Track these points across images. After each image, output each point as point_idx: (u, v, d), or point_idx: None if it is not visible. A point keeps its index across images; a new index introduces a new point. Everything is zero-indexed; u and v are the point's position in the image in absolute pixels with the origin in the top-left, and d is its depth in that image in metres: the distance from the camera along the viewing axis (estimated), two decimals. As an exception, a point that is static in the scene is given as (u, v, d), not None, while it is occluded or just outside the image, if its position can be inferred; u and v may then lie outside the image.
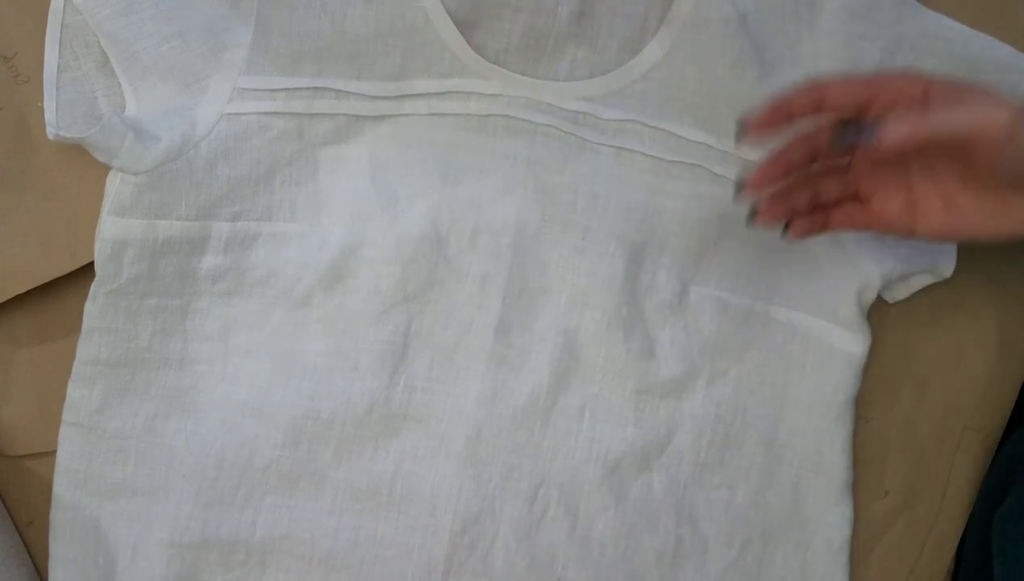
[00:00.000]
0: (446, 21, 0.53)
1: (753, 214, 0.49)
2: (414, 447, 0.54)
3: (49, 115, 0.51)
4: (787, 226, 0.50)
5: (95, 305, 0.51)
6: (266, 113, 0.53)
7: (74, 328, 0.52)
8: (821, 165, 0.50)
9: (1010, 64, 0.56)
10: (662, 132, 0.56)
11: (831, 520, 0.56)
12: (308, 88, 0.53)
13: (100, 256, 0.51)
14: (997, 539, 0.53)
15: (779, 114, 0.47)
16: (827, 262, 0.57)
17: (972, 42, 0.56)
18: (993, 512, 0.55)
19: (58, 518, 0.52)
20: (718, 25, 0.55)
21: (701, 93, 0.56)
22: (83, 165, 0.53)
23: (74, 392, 0.52)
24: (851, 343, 0.56)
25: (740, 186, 0.48)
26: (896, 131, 0.43)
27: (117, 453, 0.52)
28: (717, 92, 0.56)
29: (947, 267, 0.56)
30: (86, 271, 0.53)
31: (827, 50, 0.56)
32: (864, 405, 0.57)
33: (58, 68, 0.52)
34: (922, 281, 0.57)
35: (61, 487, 0.52)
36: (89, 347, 0.52)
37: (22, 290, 0.53)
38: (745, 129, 0.47)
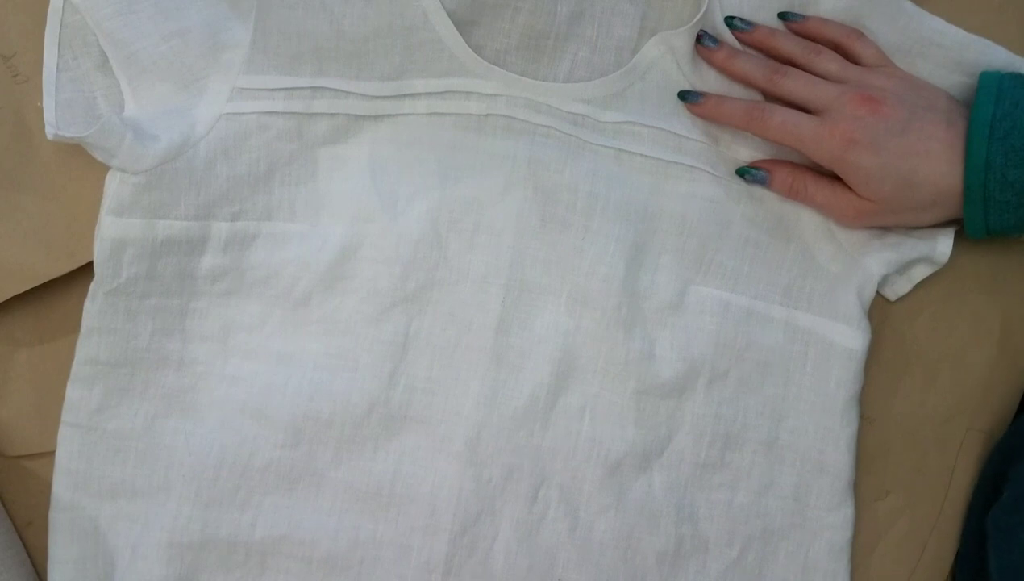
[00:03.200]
0: (445, 21, 0.53)
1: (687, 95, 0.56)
2: (414, 448, 0.54)
3: (48, 115, 0.51)
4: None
5: (94, 305, 0.51)
6: (265, 113, 0.53)
7: (74, 328, 0.52)
8: None
9: (1007, 69, 0.56)
10: (661, 132, 0.56)
11: (833, 520, 0.56)
12: (307, 88, 0.53)
13: (99, 256, 0.51)
14: (992, 532, 0.53)
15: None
16: (826, 260, 0.57)
17: (969, 47, 0.56)
18: (988, 504, 0.55)
19: (57, 518, 0.52)
20: (716, 24, 0.56)
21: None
22: (83, 165, 0.53)
23: (73, 392, 0.52)
24: (851, 339, 0.56)
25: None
26: (777, 187, 0.56)
27: (116, 453, 0.52)
28: (716, 91, 0.56)
29: (943, 252, 0.56)
30: (86, 271, 0.53)
31: (823, 51, 0.57)
32: (866, 405, 0.57)
33: (57, 68, 0.52)
34: (922, 272, 0.58)
35: (60, 487, 0.52)
36: (88, 347, 0.52)
37: (22, 290, 0.53)
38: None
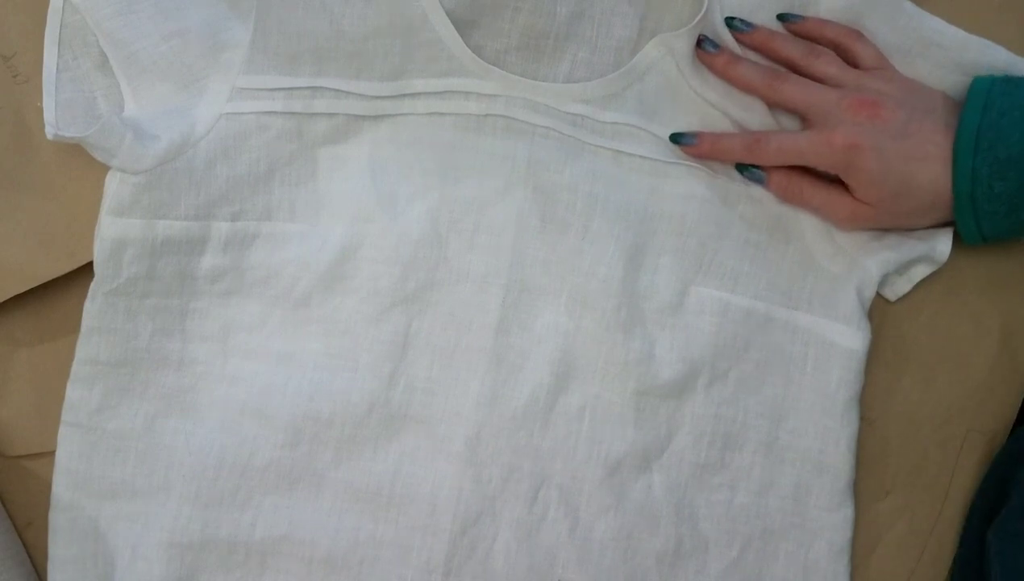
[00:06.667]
0: (444, 21, 0.53)
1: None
2: (414, 448, 0.54)
3: (48, 115, 0.51)
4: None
5: (94, 305, 0.52)
6: (265, 113, 0.53)
7: (74, 328, 0.52)
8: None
9: (1007, 69, 0.56)
10: (660, 134, 0.56)
11: (833, 520, 0.56)
12: (307, 88, 0.53)
13: (99, 256, 0.51)
14: (995, 538, 0.53)
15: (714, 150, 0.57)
16: (825, 260, 0.57)
17: (969, 47, 0.56)
18: (991, 509, 0.55)
19: (57, 519, 0.52)
20: (716, 25, 0.56)
21: (699, 94, 0.56)
22: (83, 165, 0.53)
23: (73, 392, 0.52)
24: (851, 339, 0.56)
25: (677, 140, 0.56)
26: (773, 189, 0.56)
27: (116, 453, 0.52)
28: (715, 93, 0.56)
29: (943, 252, 0.56)
30: (86, 271, 0.53)
31: (822, 51, 0.57)
32: (866, 405, 0.57)
33: (57, 68, 0.52)
34: (922, 272, 0.57)
35: (60, 487, 0.52)
36: (88, 347, 0.52)
37: (22, 290, 0.53)
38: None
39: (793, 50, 0.56)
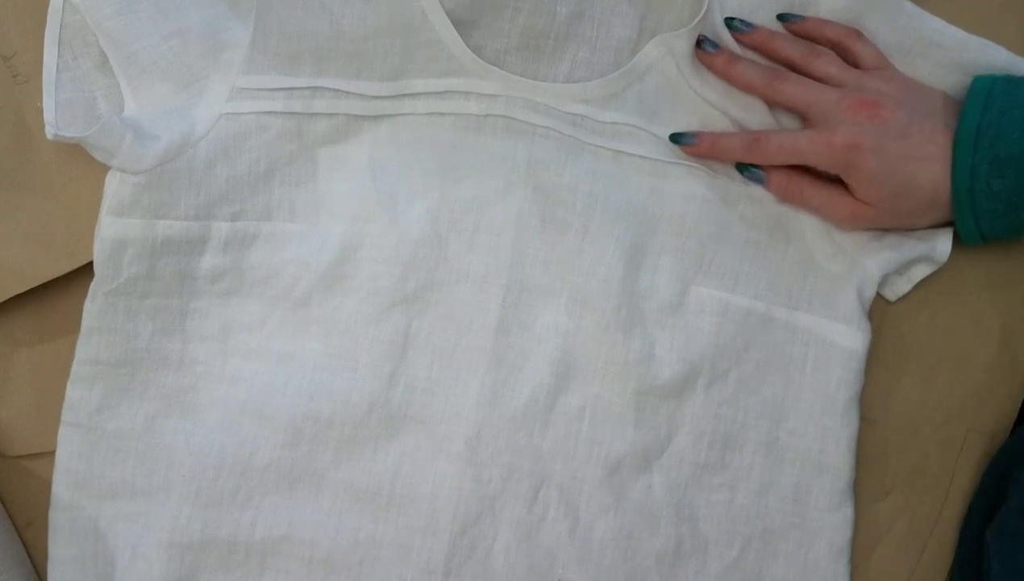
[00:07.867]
0: (444, 21, 0.53)
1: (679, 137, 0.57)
2: (414, 448, 0.54)
3: (48, 115, 0.51)
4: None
5: (94, 305, 0.52)
6: (265, 113, 0.53)
7: (74, 328, 0.52)
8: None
9: (1007, 69, 0.56)
10: (660, 134, 0.56)
11: (833, 521, 0.56)
12: (307, 88, 0.53)
13: (99, 256, 0.51)
14: (995, 537, 0.53)
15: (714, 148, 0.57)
16: (825, 260, 0.57)
17: (969, 47, 0.56)
18: (991, 509, 0.55)
19: (57, 519, 0.52)
20: (716, 26, 0.56)
21: (699, 93, 0.56)
22: (83, 165, 0.53)
23: (73, 392, 0.52)
24: (851, 339, 0.56)
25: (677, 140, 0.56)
26: (773, 189, 0.56)
27: (116, 453, 0.52)
28: (715, 93, 0.56)
29: (943, 252, 0.56)
30: (86, 271, 0.53)
31: (822, 51, 0.57)
32: (866, 405, 0.57)
33: (57, 68, 0.52)
34: (922, 272, 0.57)
35: (60, 487, 0.52)
36: (88, 347, 0.52)
37: (22, 290, 0.53)
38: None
39: (793, 50, 0.56)
